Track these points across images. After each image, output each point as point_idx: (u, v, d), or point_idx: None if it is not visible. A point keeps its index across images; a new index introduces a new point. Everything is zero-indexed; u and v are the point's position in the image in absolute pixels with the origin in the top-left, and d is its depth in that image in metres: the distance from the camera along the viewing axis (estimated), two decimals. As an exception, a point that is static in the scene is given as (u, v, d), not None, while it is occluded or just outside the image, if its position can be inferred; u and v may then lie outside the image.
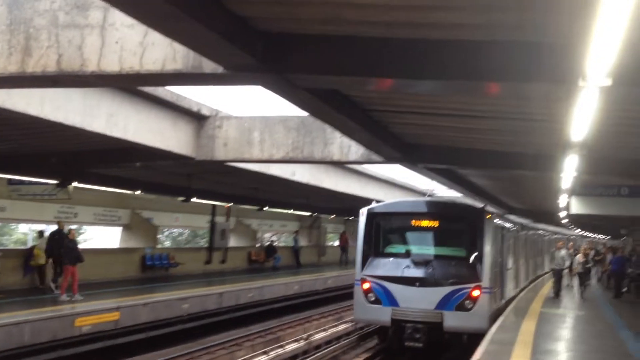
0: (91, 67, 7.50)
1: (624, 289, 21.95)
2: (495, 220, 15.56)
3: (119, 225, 26.71)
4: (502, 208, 33.05)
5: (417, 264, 14.34)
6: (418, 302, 13.93)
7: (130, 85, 11.34)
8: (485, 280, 14.00)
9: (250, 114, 16.29)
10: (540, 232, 34.61)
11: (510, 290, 18.39)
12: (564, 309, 17.77)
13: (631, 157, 13.12)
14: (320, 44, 6.90)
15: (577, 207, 14.98)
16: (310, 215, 37.38)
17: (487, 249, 14.30)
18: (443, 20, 6.20)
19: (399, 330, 14.09)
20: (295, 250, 34.13)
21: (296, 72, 7.14)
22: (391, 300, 14.11)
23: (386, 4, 5.85)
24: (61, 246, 16.17)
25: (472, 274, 14.04)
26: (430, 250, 14.96)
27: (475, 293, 13.80)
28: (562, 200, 19.42)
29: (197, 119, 15.22)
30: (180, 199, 23.45)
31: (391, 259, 14.82)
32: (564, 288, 21.68)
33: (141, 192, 22.43)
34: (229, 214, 29.63)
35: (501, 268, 16.41)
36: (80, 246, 18.44)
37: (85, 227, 45.79)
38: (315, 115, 11.14)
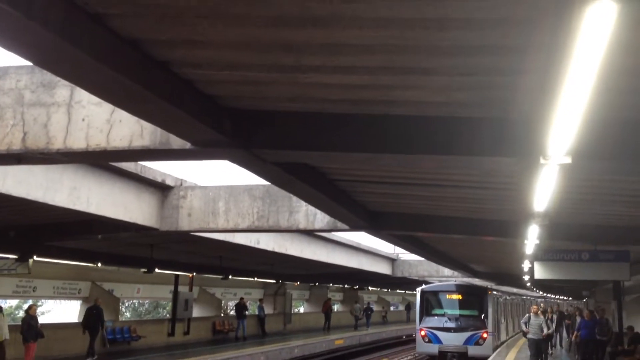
0: (57, 144, 7.46)
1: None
2: (493, 293, 25.54)
3: (78, 298, 25.92)
4: (467, 272, 33.18)
5: (451, 319, 24.09)
6: (453, 341, 23.57)
7: (97, 161, 11.28)
8: (490, 328, 23.80)
9: (215, 183, 16.20)
10: (523, 297, 45.19)
11: (503, 335, 29.03)
12: None
13: (592, 223, 13.41)
14: (287, 120, 6.99)
15: (540, 272, 15.12)
16: (276, 282, 36.85)
17: (490, 310, 24.27)
18: (404, 98, 6.35)
19: (443, 358, 23.76)
20: (260, 319, 33.38)
21: (264, 148, 7.19)
22: (438, 341, 23.76)
23: (350, 84, 5.99)
24: (99, 320, 19.70)
25: (482, 325, 23.93)
26: (458, 312, 24.52)
27: (485, 335, 23.51)
28: (526, 266, 19.60)
29: (161, 189, 15.12)
30: (143, 270, 22.93)
31: (436, 317, 24.54)
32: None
33: (102, 264, 21.91)
34: (192, 283, 29.06)
35: (497, 322, 26.46)
36: (41, 320, 17.94)
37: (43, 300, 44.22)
38: (282, 187, 11.17)
